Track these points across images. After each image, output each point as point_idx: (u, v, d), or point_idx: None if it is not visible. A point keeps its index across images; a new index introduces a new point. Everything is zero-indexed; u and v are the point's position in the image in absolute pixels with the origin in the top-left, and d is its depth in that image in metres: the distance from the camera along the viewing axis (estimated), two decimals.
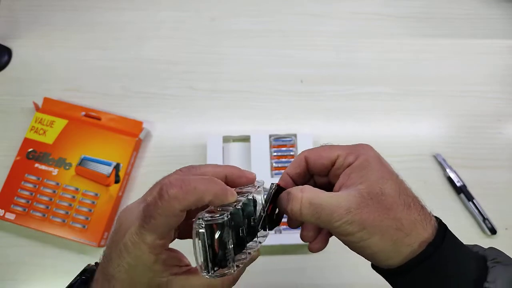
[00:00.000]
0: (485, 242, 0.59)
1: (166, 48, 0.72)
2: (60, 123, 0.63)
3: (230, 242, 0.28)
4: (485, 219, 0.59)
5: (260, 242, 0.33)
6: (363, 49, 0.72)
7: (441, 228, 0.31)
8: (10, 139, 0.64)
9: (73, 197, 0.59)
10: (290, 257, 0.58)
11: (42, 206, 0.59)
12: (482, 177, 0.63)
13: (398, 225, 0.29)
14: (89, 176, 0.60)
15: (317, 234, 0.35)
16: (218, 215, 0.28)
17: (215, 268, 0.28)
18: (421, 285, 0.30)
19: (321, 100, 0.68)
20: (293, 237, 0.57)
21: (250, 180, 0.33)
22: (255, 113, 0.67)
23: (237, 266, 0.30)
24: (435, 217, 0.32)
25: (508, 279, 0.28)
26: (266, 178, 0.60)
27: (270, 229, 0.34)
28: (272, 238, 0.57)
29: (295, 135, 0.63)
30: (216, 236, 0.28)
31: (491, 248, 0.32)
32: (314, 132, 0.65)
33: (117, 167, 0.61)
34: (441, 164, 0.63)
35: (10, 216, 0.58)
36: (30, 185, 0.60)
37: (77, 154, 0.61)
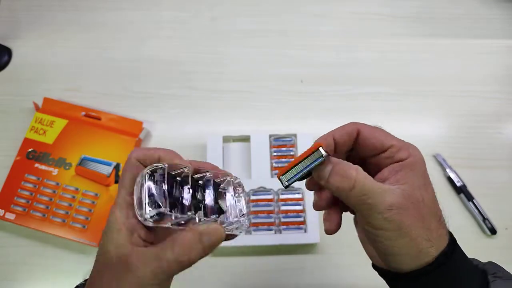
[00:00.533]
0: (485, 242, 0.59)
1: (166, 48, 0.72)
2: (60, 123, 0.63)
3: (164, 185, 0.29)
4: (485, 219, 0.59)
5: (228, 223, 0.32)
6: (363, 49, 0.72)
7: (452, 240, 0.31)
8: (10, 139, 0.64)
9: (73, 197, 0.59)
10: (290, 257, 0.58)
11: (42, 206, 0.59)
12: (482, 177, 0.63)
13: (428, 236, 0.29)
14: (89, 176, 0.60)
15: (329, 207, 0.34)
16: (159, 165, 0.31)
17: (148, 210, 0.29)
18: None
19: (321, 100, 0.68)
20: (293, 237, 0.57)
21: (220, 172, 0.35)
22: (255, 113, 0.67)
23: (179, 224, 0.29)
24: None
25: None
26: (266, 178, 0.60)
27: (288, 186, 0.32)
28: (271, 238, 0.57)
29: (295, 135, 0.63)
30: (148, 180, 0.29)
31: (490, 263, 0.33)
32: (314, 132, 0.64)
33: (117, 167, 0.61)
34: (441, 164, 0.63)
35: (10, 216, 0.58)
36: (30, 185, 0.60)
37: (77, 154, 0.61)
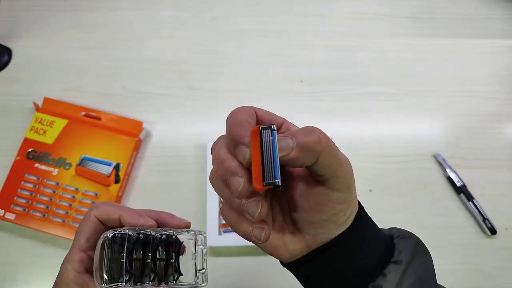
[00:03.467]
0: (485, 242, 0.59)
1: (166, 48, 0.72)
2: (60, 123, 0.63)
3: (123, 256, 0.30)
4: (485, 219, 0.59)
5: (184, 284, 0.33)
6: (363, 49, 0.72)
7: (360, 207, 0.31)
8: (10, 139, 0.64)
9: (73, 197, 0.59)
10: None
11: (42, 206, 0.59)
12: (482, 177, 0.63)
13: (355, 200, 0.30)
14: (89, 176, 0.60)
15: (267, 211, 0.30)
16: (120, 230, 0.31)
17: (105, 279, 0.30)
18: (337, 264, 0.29)
19: (321, 100, 0.68)
20: None
21: (180, 224, 0.35)
22: None
23: (135, 284, 0.31)
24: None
25: (410, 248, 0.29)
26: None
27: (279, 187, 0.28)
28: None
29: None
30: (108, 247, 0.30)
31: (395, 228, 0.34)
32: None
33: (117, 167, 0.61)
34: (441, 164, 0.63)
35: (10, 216, 0.58)
36: (30, 185, 0.60)
37: (77, 154, 0.61)
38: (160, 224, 0.34)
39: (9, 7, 0.75)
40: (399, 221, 0.60)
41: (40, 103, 0.65)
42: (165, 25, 0.74)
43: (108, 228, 0.32)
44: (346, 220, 0.29)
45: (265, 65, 0.70)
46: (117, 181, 0.60)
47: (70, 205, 0.59)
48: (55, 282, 0.32)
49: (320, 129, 0.28)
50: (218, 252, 0.58)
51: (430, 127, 0.67)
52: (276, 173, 0.26)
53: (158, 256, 0.32)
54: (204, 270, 0.33)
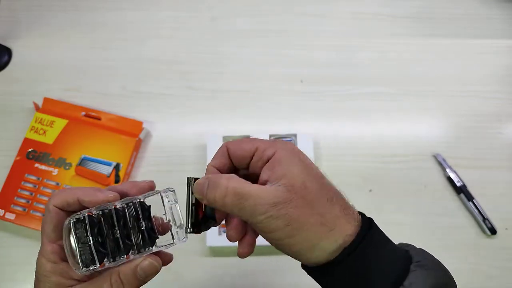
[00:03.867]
0: (485, 242, 0.59)
1: (166, 48, 0.72)
2: (60, 123, 0.63)
3: (89, 239, 0.30)
4: (485, 219, 0.59)
5: (161, 246, 0.32)
6: (363, 49, 0.72)
7: (365, 222, 0.30)
8: (10, 139, 0.64)
9: None
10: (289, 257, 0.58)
11: (42, 206, 0.59)
12: (482, 177, 0.63)
13: (322, 220, 0.29)
14: (89, 176, 0.60)
15: (242, 235, 0.33)
16: (80, 213, 0.31)
17: (79, 265, 0.30)
18: (343, 283, 0.29)
19: (321, 100, 0.68)
20: None
21: (143, 188, 0.34)
22: (255, 113, 0.67)
23: (111, 260, 0.31)
24: (359, 212, 0.32)
25: (423, 284, 0.27)
26: None
27: (196, 231, 0.33)
28: None
29: (295, 135, 0.63)
30: (74, 230, 0.30)
31: (420, 250, 0.32)
32: (314, 132, 0.65)
33: (117, 167, 0.61)
34: (441, 164, 0.63)
35: (10, 216, 0.58)
36: (30, 185, 0.60)
37: (77, 154, 0.61)
38: (123, 195, 0.33)
39: (9, 7, 0.75)
40: (399, 221, 0.60)
41: (40, 103, 0.65)
42: (165, 25, 0.73)
43: (71, 213, 0.32)
44: (325, 247, 0.28)
45: (265, 65, 0.70)
46: (117, 181, 0.60)
47: None
48: (34, 278, 0.32)
49: (233, 179, 0.30)
50: (218, 252, 0.58)
51: (430, 127, 0.66)
52: (188, 222, 0.32)
53: (130, 226, 0.31)
54: (180, 224, 0.33)
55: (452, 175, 0.62)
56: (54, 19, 0.74)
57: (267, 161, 0.31)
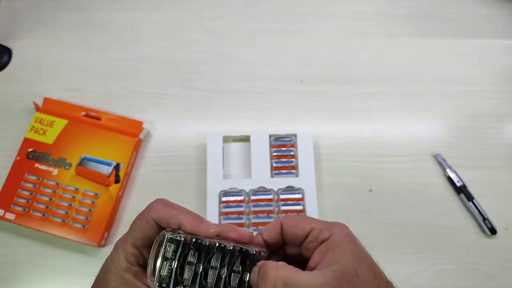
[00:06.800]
0: (485, 242, 0.59)
1: (166, 48, 0.72)
2: (60, 123, 0.63)
3: (174, 263, 0.29)
4: (485, 219, 0.59)
5: None
6: (363, 49, 0.72)
7: None
8: (10, 139, 0.64)
9: (73, 197, 0.59)
10: None
11: (42, 206, 0.59)
12: (482, 177, 0.62)
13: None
14: (89, 176, 0.60)
15: None
16: (178, 235, 0.30)
17: (156, 278, 0.29)
18: None
19: (321, 100, 0.68)
20: None
21: (242, 236, 0.33)
22: (255, 113, 0.67)
23: None
24: None
25: None
26: (266, 178, 0.61)
27: None
28: None
29: (295, 135, 0.63)
30: (165, 247, 0.29)
31: None
32: (314, 132, 0.65)
33: (117, 167, 0.61)
34: (441, 164, 0.63)
35: (10, 216, 0.58)
36: (30, 185, 0.60)
37: (77, 154, 0.61)
38: (219, 235, 0.32)
39: (9, 7, 0.75)
40: (399, 221, 0.60)
41: (40, 103, 0.65)
42: (164, 25, 0.73)
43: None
44: None
45: (265, 65, 0.70)
46: (117, 181, 0.60)
47: (70, 205, 0.59)
48: (102, 268, 0.33)
49: (281, 268, 0.30)
50: None
51: (430, 127, 0.66)
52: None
53: (212, 264, 0.30)
54: None
55: (452, 175, 0.62)
56: (54, 19, 0.74)
57: (321, 243, 0.31)
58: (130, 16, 0.74)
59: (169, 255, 0.30)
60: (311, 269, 0.30)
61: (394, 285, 0.31)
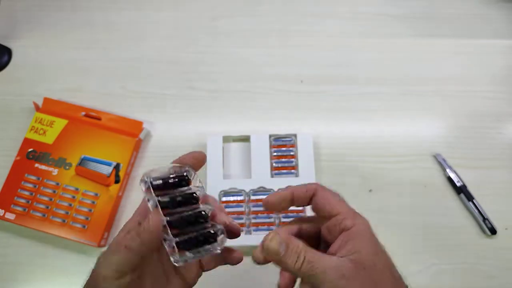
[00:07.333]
0: (485, 242, 0.59)
1: (166, 48, 0.72)
2: (60, 123, 0.63)
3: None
4: (485, 219, 0.59)
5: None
6: (363, 49, 0.72)
7: None
8: (10, 139, 0.64)
9: (73, 197, 0.59)
10: None
11: (42, 206, 0.59)
12: (482, 177, 0.62)
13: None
14: (89, 176, 0.60)
15: (293, 283, 0.36)
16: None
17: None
18: None
19: (321, 100, 0.68)
20: None
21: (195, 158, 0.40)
22: (255, 113, 0.67)
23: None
24: None
25: None
26: (266, 178, 0.60)
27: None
28: None
29: (295, 135, 0.63)
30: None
31: None
32: (314, 132, 0.65)
33: (117, 167, 0.61)
34: (441, 164, 0.63)
35: (10, 216, 0.58)
36: (30, 185, 0.60)
37: (77, 154, 0.61)
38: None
39: (9, 7, 0.75)
40: (399, 221, 0.60)
41: (40, 103, 0.65)
42: (164, 25, 0.74)
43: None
44: None
45: (265, 65, 0.70)
46: (117, 181, 0.60)
47: (70, 205, 0.59)
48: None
49: (307, 257, 0.31)
50: None
51: (430, 127, 0.66)
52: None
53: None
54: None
55: (452, 175, 0.62)
56: (54, 19, 0.74)
57: (342, 230, 0.33)
58: (130, 16, 0.74)
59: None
60: (331, 255, 0.32)
61: (403, 278, 0.33)
